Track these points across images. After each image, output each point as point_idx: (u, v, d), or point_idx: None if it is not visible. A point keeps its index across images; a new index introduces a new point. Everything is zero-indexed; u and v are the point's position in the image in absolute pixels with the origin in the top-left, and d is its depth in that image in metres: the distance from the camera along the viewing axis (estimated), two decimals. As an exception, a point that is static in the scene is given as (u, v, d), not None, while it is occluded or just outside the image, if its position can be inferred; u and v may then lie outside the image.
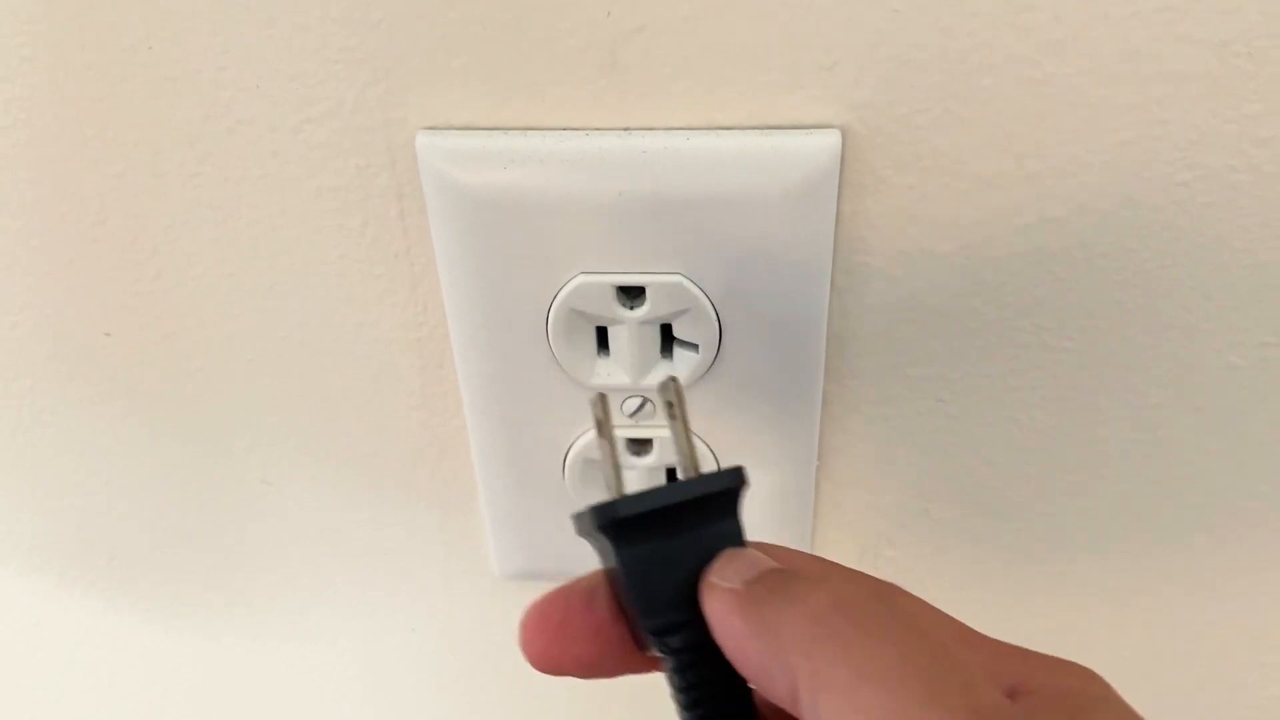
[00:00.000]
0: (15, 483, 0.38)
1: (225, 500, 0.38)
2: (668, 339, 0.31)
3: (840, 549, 0.37)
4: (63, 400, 0.35)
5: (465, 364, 0.32)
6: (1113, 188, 0.28)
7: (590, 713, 0.44)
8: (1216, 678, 0.39)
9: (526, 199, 0.28)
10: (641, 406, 0.32)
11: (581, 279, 0.29)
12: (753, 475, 0.33)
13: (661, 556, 0.22)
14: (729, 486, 0.22)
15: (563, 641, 0.22)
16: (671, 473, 0.34)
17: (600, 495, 0.34)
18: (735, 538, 0.22)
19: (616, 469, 0.23)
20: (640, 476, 0.34)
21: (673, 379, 0.24)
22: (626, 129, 0.28)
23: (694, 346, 0.31)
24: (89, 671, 0.45)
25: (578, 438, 0.33)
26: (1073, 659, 0.21)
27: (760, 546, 0.22)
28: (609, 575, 0.23)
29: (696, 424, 0.32)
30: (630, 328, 0.30)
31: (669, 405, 0.24)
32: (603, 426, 0.23)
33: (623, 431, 0.33)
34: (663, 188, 0.28)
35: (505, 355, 0.31)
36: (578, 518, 0.23)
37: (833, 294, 0.30)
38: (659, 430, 0.33)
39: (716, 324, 0.30)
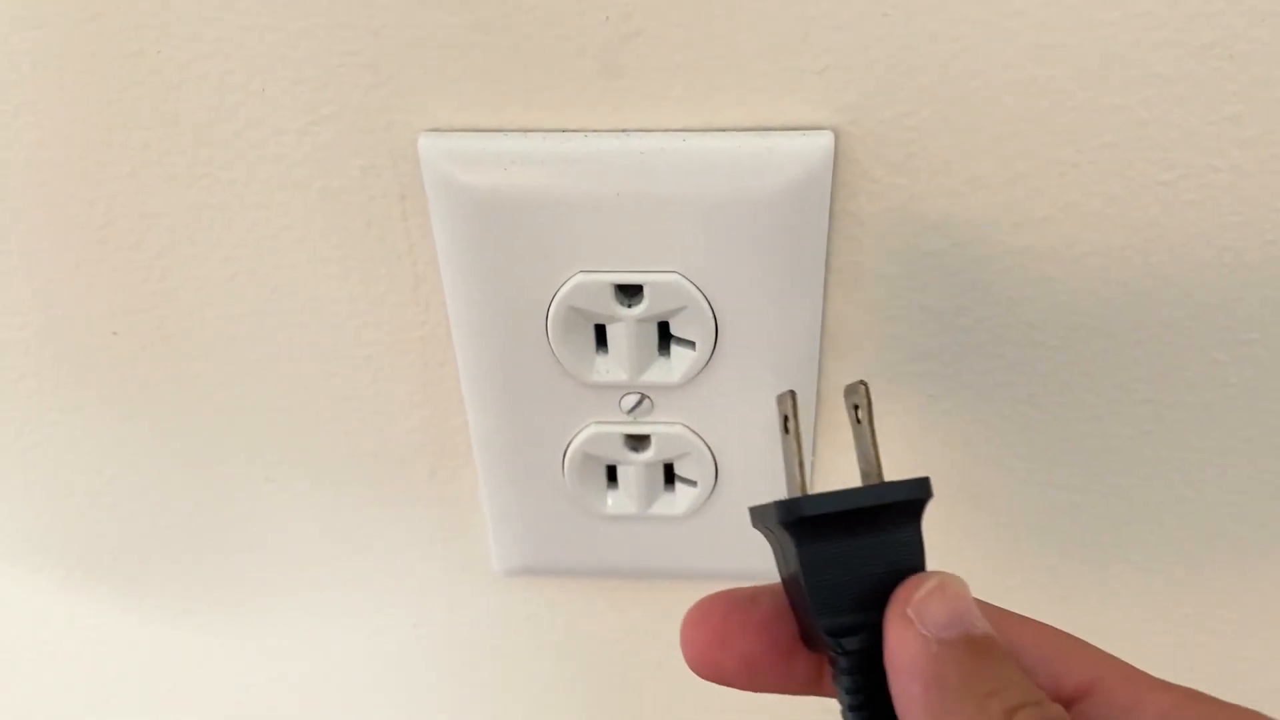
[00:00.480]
0: (21, 481, 0.39)
1: (228, 499, 0.38)
2: (665, 337, 0.32)
3: (834, 544, 0.37)
4: (68, 400, 0.36)
5: (466, 362, 0.33)
6: (1098, 187, 0.28)
7: (591, 709, 0.44)
8: (1207, 678, 0.40)
9: (527, 199, 0.29)
10: (639, 403, 0.33)
11: (580, 277, 0.30)
12: (749, 470, 0.34)
13: (841, 557, 0.22)
14: (914, 497, 0.22)
15: (725, 637, 0.23)
16: (669, 468, 0.35)
17: (597, 491, 0.35)
18: (915, 548, 0.22)
19: (801, 465, 0.24)
20: (637, 472, 0.34)
21: (862, 383, 0.24)
22: (624, 130, 0.28)
23: (691, 344, 0.31)
24: (92, 670, 0.45)
25: (577, 434, 0.34)
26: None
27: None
28: (784, 572, 0.23)
29: (691, 419, 0.33)
30: (628, 325, 0.31)
31: (854, 409, 0.24)
32: (789, 422, 0.24)
33: (620, 428, 0.33)
34: (660, 188, 0.28)
35: (506, 353, 0.32)
36: (759, 510, 0.23)
37: (827, 293, 0.31)
38: (656, 426, 0.33)
39: (713, 322, 0.31)
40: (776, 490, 0.35)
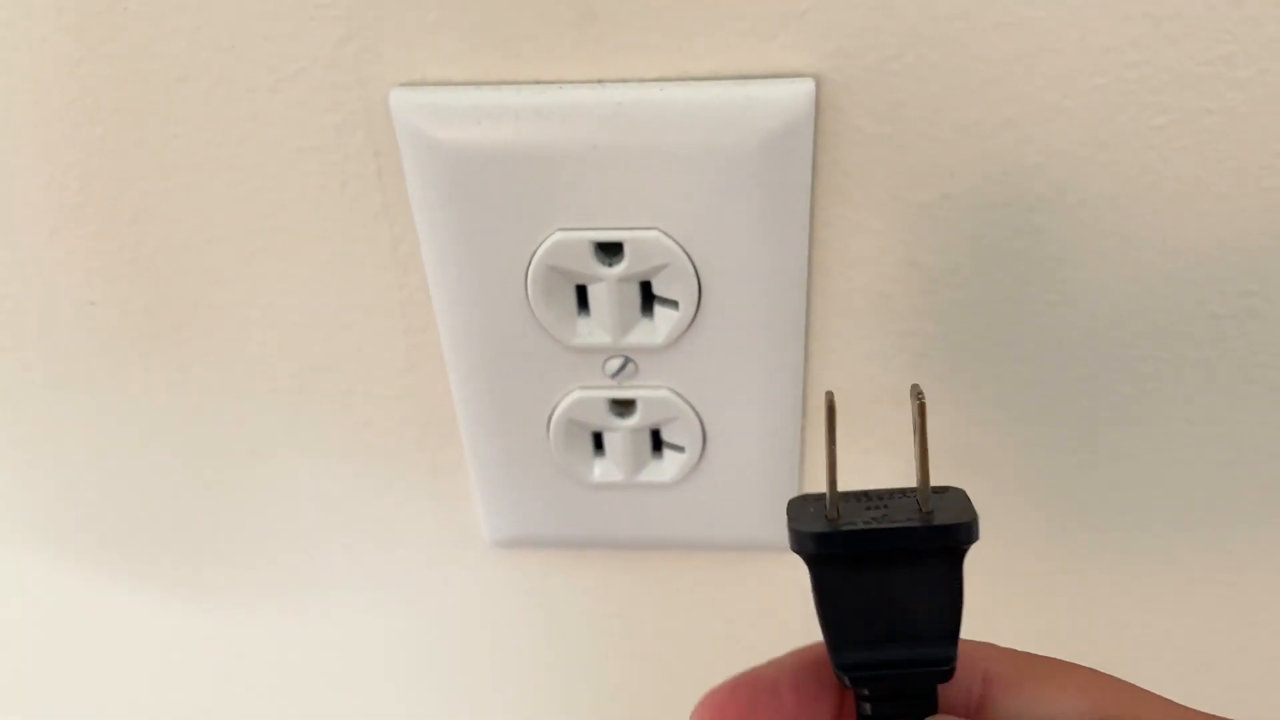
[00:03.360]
0: (6, 459, 0.38)
1: (213, 472, 0.38)
2: (649, 298, 0.31)
3: (828, 511, 0.36)
4: (48, 373, 0.36)
5: (447, 326, 0.32)
6: (1088, 133, 0.28)
7: (585, 681, 0.44)
8: (1213, 641, 0.39)
9: (501, 154, 0.28)
10: (624, 366, 0.32)
11: (559, 235, 0.29)
12: (737, 434, 0.33)
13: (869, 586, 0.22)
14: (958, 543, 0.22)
15: None
16: (656, 434, 0.34)
17: (584, 458, 0.34)
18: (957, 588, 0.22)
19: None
20: (624, 439, 0.34)
21: (917, 388, 0.22)
22: (600, 81, 0.28)
23: (674, 304, 0.31)
24: (81, 646, 0.45)
25: (561, 399, 0.33)
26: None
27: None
28: (827, 603, 0.22)
29: (677, 383, 0.32)
30: (609, 285, 0.30)
31: (919, 408, 0.22)
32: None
33: (605, 393, 0.33)
34: (638, 140, 0.28)
35: (486, 316, 0.31)
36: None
37: (813, 249, 0.30)
38: (641, 391, 0.33)
39: (695, 280, 0.30)
40: (767, 458, 0.34)
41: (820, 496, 0.23)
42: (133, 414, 0.36)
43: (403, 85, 0.28)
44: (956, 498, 0.22)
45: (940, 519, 0.22)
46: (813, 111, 0.27)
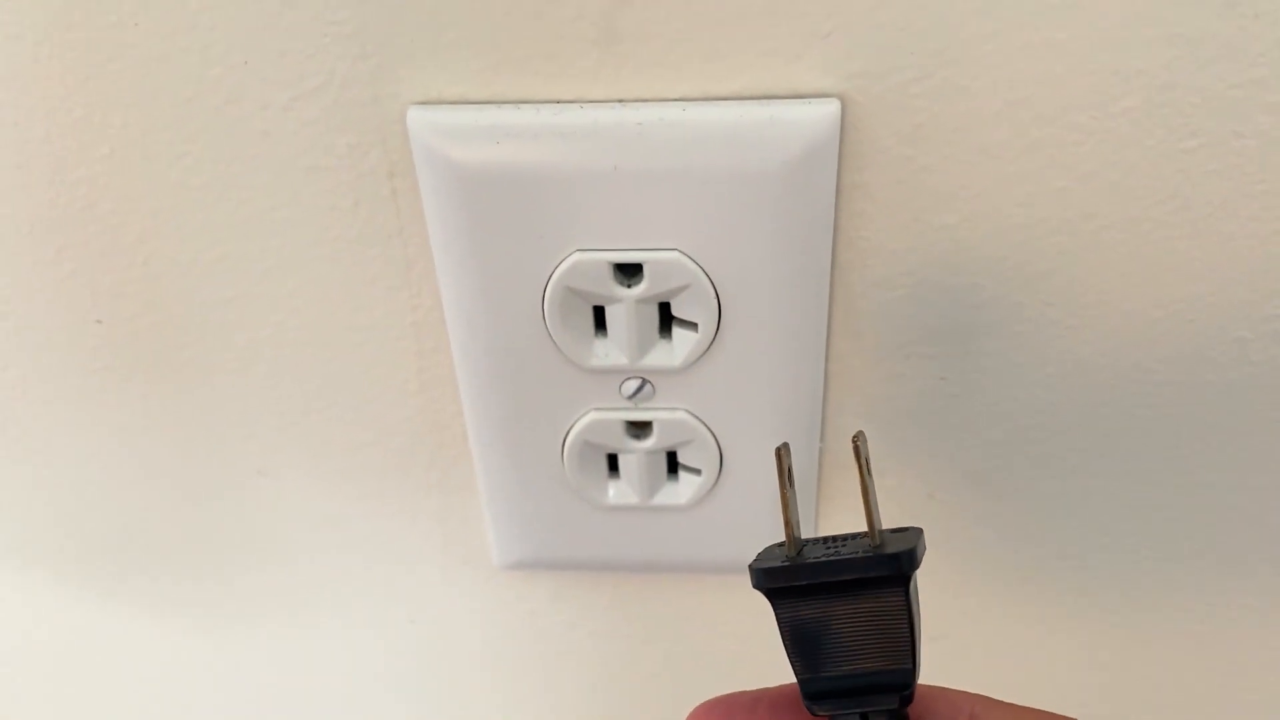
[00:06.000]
0: (7, 476, 0.38)
1: (220, 492, 0.37)
2: (667, 319, 0.31)
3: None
4: (54, 391, 0.35)
5: (461, 347, 0.31)
6: (1116, 156, 0.27)
7: (594, 706, 0.43)
8: (1232, 670, 0.39)
9: (520, 174, 0.27)
10: (640, 388, 0.31)
11: (577, 256, 0.29)
12: (754, 457, 0.33)
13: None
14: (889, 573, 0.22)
15: None
16: (672, 456, 0.34)
17: (598, 480, 0.34)
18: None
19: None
20: (639, 461, 0.33)
21: (860, 433, 0.23)
22: (621, 101, 0.27)
23: (693, 325, 0.30)
24: (84, 668, 0.44)
25: (576, 421, 0.32)
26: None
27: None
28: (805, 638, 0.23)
29: (694, 405, 0.32)
30: (628, 306, 0.29)
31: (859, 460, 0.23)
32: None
33: (621, 414, 0.32)
34: (659, 161, 0.27)
35: (501, 337, 0.31)
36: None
37: (834, 270, 0.30)
38: (657, 412, 0.32)
39: (715, 302, 0.29)
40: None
41: (786, 542, 0.24)
42: (138, 433, 0.36)
43: (419, 104, 0.28)
44: (910, 535, 0.23)
45: (886, 550, 0.23)
46: (837, 133, 0.27)
